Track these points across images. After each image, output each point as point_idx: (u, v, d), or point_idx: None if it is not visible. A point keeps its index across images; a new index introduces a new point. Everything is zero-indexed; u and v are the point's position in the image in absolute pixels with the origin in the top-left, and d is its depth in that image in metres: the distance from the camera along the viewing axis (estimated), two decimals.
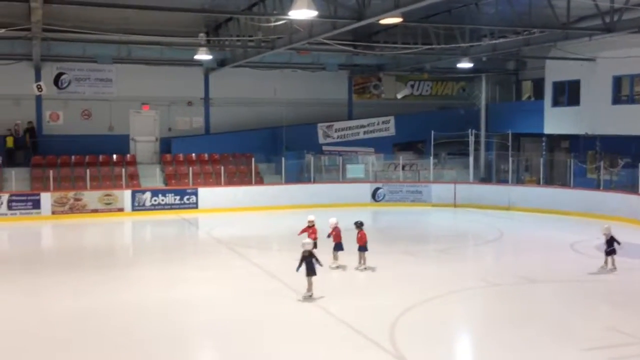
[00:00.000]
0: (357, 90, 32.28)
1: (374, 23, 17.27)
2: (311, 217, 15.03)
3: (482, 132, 30.10)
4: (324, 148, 29.64)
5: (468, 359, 9.40)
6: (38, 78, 26.08)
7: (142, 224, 23.10)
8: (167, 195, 24.81)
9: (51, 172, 24.20)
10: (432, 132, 27.90)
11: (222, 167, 26.74)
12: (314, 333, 9.92)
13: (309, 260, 11.64)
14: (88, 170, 24.89)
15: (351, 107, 32.08)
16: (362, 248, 14.03)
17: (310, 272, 11.66)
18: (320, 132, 30.07)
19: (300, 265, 11.65)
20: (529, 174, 28.98)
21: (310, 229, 14.64)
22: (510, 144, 27.45)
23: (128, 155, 27.63)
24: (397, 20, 17.37)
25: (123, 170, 25.55)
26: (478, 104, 31.38)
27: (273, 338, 9.69)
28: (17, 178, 23.91)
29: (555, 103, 28.09)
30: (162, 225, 22.65)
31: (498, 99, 31.96)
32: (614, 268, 14.00)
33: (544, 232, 20.48)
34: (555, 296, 12.70)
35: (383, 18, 15.93)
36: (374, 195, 26.96)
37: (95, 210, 23.65)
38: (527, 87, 32.18)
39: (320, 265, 11.81)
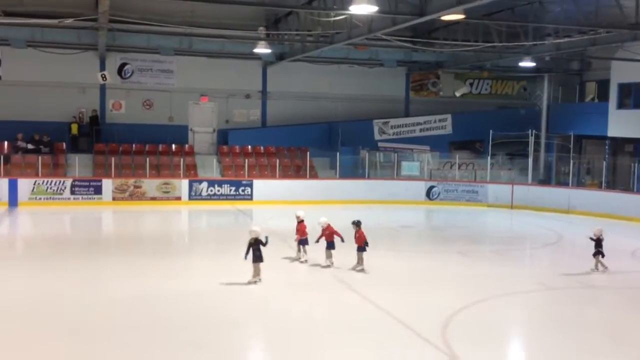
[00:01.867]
0: (414, 87, 32.02)
1: (434, 19, 17.07)
2: (300, 213, 14.44)
3: (543, 133, 29.43)
4: (379, 144, 29.53)
5: None
6: (102, 68, 26.84)
7: (198, 214, 23.53)
8: (222, 185, 25.18)
9: (113, 159, 24.92)
10: (491, 131, 27.44)
11: (278, 160, 26.98)
12: (363, 327, 9.91)
13: (255, 248, 11.88)
14: (148, 159, 25.50)
15: (408, 104, 31.85)
16: (361, 248, 13.54)
17: (257, 259, 11.93)
18: (375, 129, 29.97)
19: (247, 252, 11.90)
20: (591, 177, 28.21)
21: (299, 225, 14.16)
22: (571, 145, 26.76)
23: (186, 146, 28.18)
24: (458, 16, 17.11)
25: (181, 160, 26.07)
26: (539, 104, 30.67)
27: (321, 331, 9.73)
28: (80, 164, 24.69)
29: (621, 105, 27.19)
30: (217, 215, 23.00)
31: (560, 100, 31.16)
32: (596, 269, 13.94)
33: (604, 237, 19.87)
34: (613, 303, 12.35)
35: (445, 15, 15.73)
36: (428, 193, 26.72)
37: (153, 198, 24.22)
38: (591, 88, 31.26)
39: (265, 244, 12.02)
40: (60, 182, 23.41)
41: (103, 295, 11.37)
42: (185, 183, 24.76)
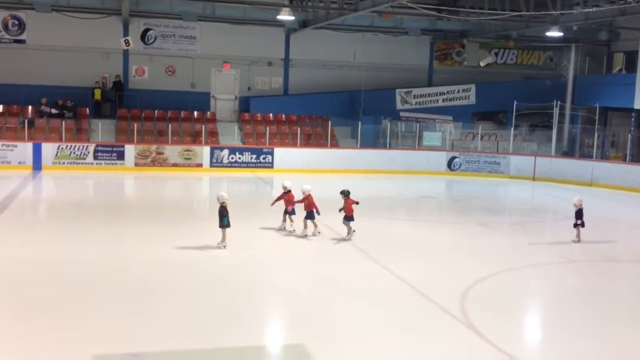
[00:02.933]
0: (438, 56, 31.63)
1: None
2: (287, 183, 14.06)
3: (568, 105, 29.01)
4: (401, 114, 29.33)
5: (538, 333, 9.24)
6: (126, 33, 26.84)
7: (218, 180, 23.66)
8: (244, 153, 25.26)
9: (135, 125, 25.07)
10: (515, 102, 27.09)
11: (299, 129, 26.96)
12: (381, 296, 9.97)
13: (222, 214, 12.02)
14: (170, 125, 25.64)
15: (431, 73, 31.50)
16: (349, 217, 13.37)
17: (221, 224, 12.09)
18: (398, 98, 29.74)
19: (222, 219, 12.02)
20: (615, 150, 27.81)
21: (287, 196, 13.80)
22: (597, 117, 26.36)
23: (208, 113, 28.24)
24: None
25: (203, 126, 26.14)
26: (565, 75, 30.15)
27: (341, 297, 9.80)
28: (103, 129, 24.90)
29: None
30: (238, 183, 23.12)
31: (587, 71, 30.60)
32: (578, 240, 13.85)
33: (627, 210, 19.71)
34: (634, 276, 12.26)
35: None
36: (449, 164, 26.58)
37: (175, 165, 24.39)
38: (619, 59, 30.64)
39: (227, 222, 12.10)
40: (83, 147, 23.64)
41: (124, 258, 11.54)
42: (206, 150, 24.87)
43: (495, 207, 20.42)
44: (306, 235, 13.45)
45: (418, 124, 27.84)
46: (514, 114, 27.24)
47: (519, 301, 10.27)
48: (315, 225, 13.51)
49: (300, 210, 13.72)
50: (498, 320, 9.04)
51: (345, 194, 13.54)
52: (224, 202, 12.11)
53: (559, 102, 27.37)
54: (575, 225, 13.92)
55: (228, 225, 12.13)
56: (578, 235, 13.94)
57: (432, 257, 12.68)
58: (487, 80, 31.05)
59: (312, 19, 26.08)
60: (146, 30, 27.67)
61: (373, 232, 14.72)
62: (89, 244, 12.22)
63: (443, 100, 30.11)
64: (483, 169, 26.33)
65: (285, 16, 23.43)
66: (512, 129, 27.19)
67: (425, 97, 30.06)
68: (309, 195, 13.40)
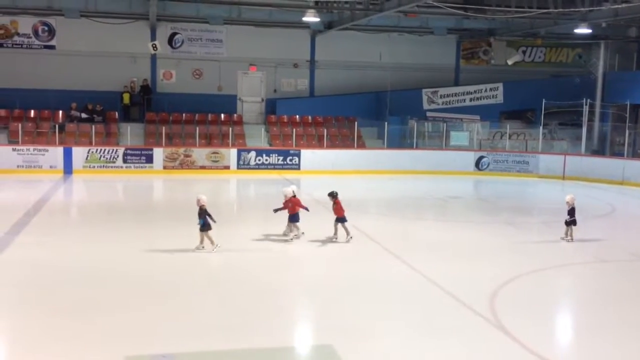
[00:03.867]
0: (465, 55, 31.41)
1: None
2: (292, 187, 13.98)
3: (598, 102, 28.57)
4: (428, 114, 29.20)
5: (569, 334, 9.12)
6: (153, 37, 27.17)
7: (246, 182, 23.80)
8: (270, 155, 25.38)
9: (163, 128, 25.35)
10: (543, 100, 26.78)
11: (325, 130, 27.00)
12: (410, 296, 9.93)
13: (204, 216, 11.87)
14: (197, 128, 25.85)
15: (458, 72, 31.31)
16: (340, 219, 13.09)
17: (204, 227, 11.90)
18: (424, 98, 29.60)
19: (202, 221, 11.85)
20: None
21: (291, 201, 13.39)
22: (627, 115, 25.92)
23: (235, 115, 28.43)
24: None
25: (230, 129, 26.33)
26: (595, 72, 29.71)
27: (368, 298, 9.78)
28: (132, 133, 25.22)
29: None
30: (265, 184, 23.21)
31: (617, 68, 30.12)
32: (571, 239, 13.61)
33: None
34: None
35: None
36: (477, 163, 26.38)
37: (203, 167, 24.60)
38: None
39: (214, 221, 11.99)
40: (113, 150, 23.97)
41: (154, 259, 11.66)
42: (233, 152, 25.03)
43: (524, 206, 20.20)
44: (291, 238, 13.04)
45: (445, 124, 27.68)
46: (543, 112, 26.93)
47: (549, 302, 10.15)
48: (298, 229, 13.12)
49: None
50: (528, 320, 8.94)
51: (334, 195, 13.20)
52: (203, 205, 11.91)
53: (588, 100, 27.00)
54: (568, 224, 13.71)
55: (209, 228, 11.92)
56: (570, 234, 13.73)
57: (460, 257, 12.58)
58: (514, 79, 30.75)
59: (338, 20, 26.10)
60: (173, 35, 27.95)
61: (400, 232, 14.70)
62: (119, 246, 12.38)
63: (470, 99, 29.88)
64: (511, 169, 26.08)
65: (311, 18, 23.47)
66: (541, 127, 26.89)
67: (452, 96, 29.87)
68: (292, 197, 13.08)
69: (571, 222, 13.67)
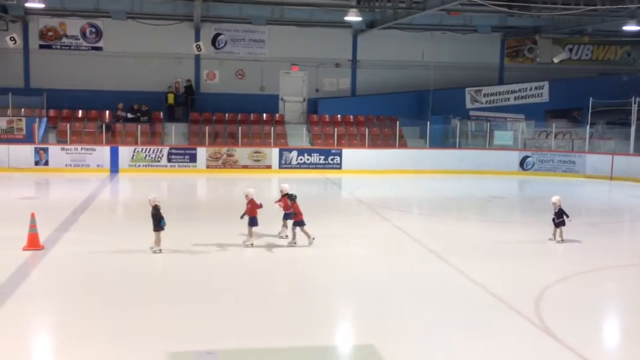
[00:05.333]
0: (509, 53, 30.96)
1: None
2: (284, 185, 13.61)
3: None
4: (471, 113, 28.89)
5: (616, 337, 8.90)
6: (197, 38, 27.54)
7: (287, 181, 23.77)
8: (312, 154, 25.45)
9: (207, 128, 25.67)
10: (590, 99, 26.18)
11: (367, 129, 26.93)
12: (452, 297, 9.84)
13: (158, 217, 11.64)
14: (240, 128, 26.09)
15: (502, 71, 30.88)
16: (299, 222, 12.39)
17: (156, 227, 11.66)
18: (468, 97, 29.29)
19: (157, 222, 11.63)
20: None
21: (282, 199, 13.21)
22: None
23: (277, 115, 28.60)
24: None
25: (272, 128, 26.50)
26: None
27: (410, 298, 9.73)
28: (176, 133, 25.62)
29: None
30: (307, 184, 23.27)
31: None
32: (562, 240, 13.29)
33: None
34: None
35: None
36: (522, 163, 25.97)
37: (245, 166, 24.82)
38: None
39: (161, 225, 11.68)
40: (157, 150, 24.38)
41: (198, 257, 11.81)
42: (275, 152, 25.19)
43: (571, 207, 19.68)
44: (249, 244, 12.41)
45: (489, 123, 27.33)
46: (590, 111, 26.33)
47: (596, 304, 9.93)
48: (251, 235, 12.43)
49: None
50: (574, 323, 8.76)
51: (291, 197, 12.58)
52: (156, 205, 11.70)
53: (637, 99, 26.28)
54: (557, 225, 13.45)
55: (162, 229, 11.68)
56: (560, 235, 13.45)
57: (504, 258, 12.40)
58: (560, 77, 30.16)
59: (380, 19, 26.02)
60: (217, 35, 28.28)
61: (442, 232, 14.57)
62: (164, 243, 12.57)
63: (515, 98, 29.44)
64: (557, 169, 25.59)
65: (353, 17, 23.44)
66: (588, 126, 26.30)
67: (496, 95, 29.48)
68: (252, 199, 12.43)
69: (560, 223, 13.44)
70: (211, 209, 18.30)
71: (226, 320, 8.58)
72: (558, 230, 13.48)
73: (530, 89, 29.55)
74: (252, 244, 12.32)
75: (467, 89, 29.34)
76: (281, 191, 13.39)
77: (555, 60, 30.38)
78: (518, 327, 8.60)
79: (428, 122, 26.64)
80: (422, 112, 28.20)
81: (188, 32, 27.71)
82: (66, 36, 27.40)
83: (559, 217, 13.39)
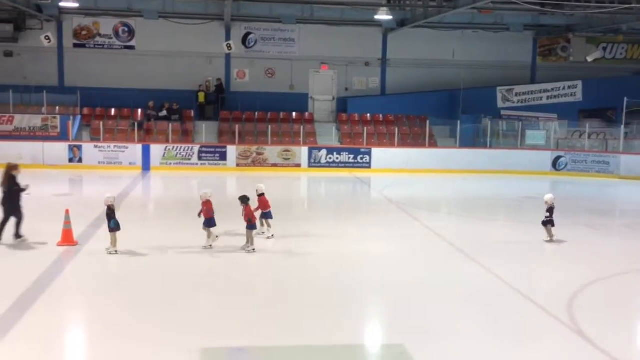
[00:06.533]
0: (542, 52, 30.57)
1: None
2: (260, 186, 13.35)
3: None
4: (503, 112, 28.60)
5: None
6: (228, 37, 27.71)
7: (317, 180, 23.94)
8: (341, 153, 25.43)
9: (237, 126, 25.81)
10: (625, 98, 25.72)
11: (396, 129, 26.83)
12: (483, 296, 9.75)
13: (110, 217, 11.46)
14: (270, 127, 26.19)
15: (535, 70, 30.50)
16: (251, 226, 12.02)
17: (115, 227, 11.51)
18: (499, 96, 29.00)
19: (115, 221, 11.45)
20: None
21: (260, 199, 13.05)
22: None
23: (306, 114, 28.65)
24: None
25: (301, 127, 26.54)
26: None
27: (440, 298, 9.67)
28: (206, 131, 25.82)
29: None
30: (336, 183, 23.29)
31: None
32: (550, 239, 13.13)
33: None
34: None
35: None
36: (554, 163, 25.62)
37: (274, 165, 24.91)
38: None
39: (114, 225, 11.48)
40: (188, 148, 24.60)
41: (228, 254, 11.89)
42: (305, 150, 25.23)
43: (604, 208, 19.46)
44: (208, 246, 12.06)
45: (520, 123, 27.02)
46: (625, 110, 25.87)
47: (630, 306, 9.75)
48: (210, 235, 12.10)
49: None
50: (608, 326, 8.62)
51: (243, 200, 12.16)
52: (111, 205, 11.56)
53: None
54: (545, 224, 13.26)
55: (117, 229, 11.56)
56: (550, 235, 13.26)
57: (536, 259, 12.27)
58: (594, 76, 29.69)
59: (410, 17, 25.90)
60: (247, 34, 28.42)
61: (473, 232, 14.45)
62: (194, 241, 12.68)
63: (547, 97, 29.07)
64: (591, 169, 25.19)
65: (383, 16, 23.37)
66: (623, 126, 25.84)
67: (528, 94, 29.13)
68: (207, 201, 12.10)
69: (549, 222, 13.24)
70: (240, 208, 18.34)
71: (258, 317, 8.62)
72: (546, 229, 13.33)
73: (563, 88, 29.15)
74: (210, 246, 11.95)
75: (498, 88, 29.05)
76: (257, 191, 13.26)
77: (589, 59, 29.90)
78: (550, 328, 8.49)
79: (458, 122, 26.43)
80: (452, 112, 27.98)
81: (219, 32, 27.90)
82: (99, 35, 27.80)
83: (550, 216, 13.27)
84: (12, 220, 12.11)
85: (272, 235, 13.10)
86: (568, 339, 8.17)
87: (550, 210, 13.28)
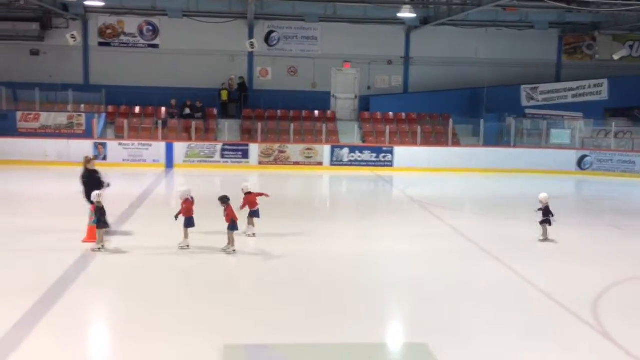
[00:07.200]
0: (567, 50, 30.22)
1: None
2: (246, 184, 13.26)
3: None
4: (527, 111, 28.32)
5: None
6: (251, 36, 27.80)
7: (339, 179, 23.92)
8: (364, 152, 25.37)
9: (259, 124, 25.88)
10: None
11: (419, 127, 26.69)
12: (507, 296, 9.68)
13: (101, 213, 11.49)
14: (292, 125, 26.22)
15: (560, 68, 30.16)
16: (232, 227, 11.62)
17: (103, 225, 11.55)
18: (523, 94, 28.73)
19: (98, 218, 11.47)
20: None
21: (248, 197, 12.92)
22: None
23: (329, 112, 28.63)
24: None
25: (324, 126, 26.53)
26: None
27: (463, 297, 9.61)
28: (229, 129, 25.93)
29: None
30: (358, 181, 23.24)
31: None
32: (546, 239, 12.96)
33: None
34: None
35: None
36: (579, 163, 25.32)
37: (297, 163, 24.93)
38: None
39: (106, 222, 11.63)
40: (211, 146, 24.72)
41: (248, 252, 11.93)
42: (327, 149, 25.22)
43: (630, 208, 19.17)
44: (185, 246, 11.79)
45: (545, 121, 26.75)
46: None
47: None
48: (187, 237, 11.80)
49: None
50: (635, 328, 8.50)
51: (224, 200, 11.75)
52: (99, 202, 11.56)
53: None
54: (541, 223, 13.10)
55: (105, 226, 11.64)
56: (545, 234, 13.10)
57: (560, 260, 12.12)
58: (620, 75, 29.28)
59: (434, 15, 25.75)
60: (270, 33, 28.48)
61: (496, 232, 14.35)
62: (216, 238, 12.74)
63: (572, 96, 28.72)
64: (616, 169, 24.85)
65: (406, 14, 23.25)
66: None
67: (553, 93, 28.81)
68: (186, 199, 11.82)
69: (545, 222, 13.07)
70: (263, 205, 18.39)
71: (280, 315, 8.64)
72: (543, 229, 13.18)
73: (589, 86, 28.78)
74: (187, 246, 11.74)
75: (522, 87, 28.78)
76: (242, 190, 13.16)
77: (615, 57, 29.46)
78: (575, 330, 8.40)
79: (482, 120, 26.23)
80: (475, 110, 27.77)
81: (242, 30, 28.00)
82: (124, 34, 28.05)
83: (545, 215, 13.11)
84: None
85: (254, 234, 12.93)
86: (594, 340, 8.07)
87: (546, 209, 13.12)
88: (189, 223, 11.78)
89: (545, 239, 13.18)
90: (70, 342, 7.59)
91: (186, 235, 11.81)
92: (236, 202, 12.53)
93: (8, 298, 8.96)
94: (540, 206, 13.19)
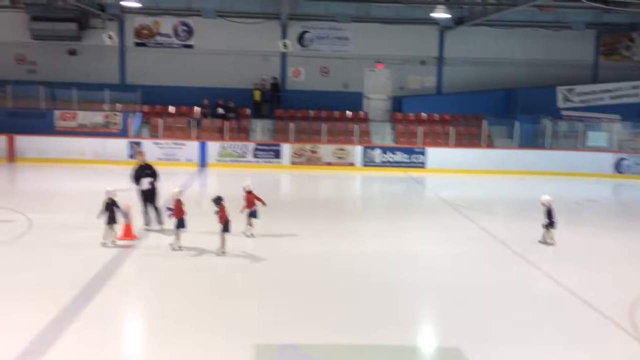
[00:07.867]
0: (604, 51, 29.67)
1: None
2: (247, 183, 13.12)
3: None
4: (563, 113, 27.89)
5: None
6: (284, 36, 27.89)
7: (370, 179, 23.87)
8: (396, 153, 25.30)
9: (291, 125, 25.97)
10: None
11: (452, 128, 26.49)
12: (542, 301, 9.56)
13: (110, 209, 11.46)
14: (324, 125, 26.25)
15: (597, 69, 29.62)
16: (225, 229, 11.48)
17: (111, 220, 11.52)
18: (559, 96, 28.29)
19: (102, 212, 11.50)
20: None
21: (248, 196, 12.87)
22: None
23: (361, 112, 28.58)
24: None
25: (356, 126, 26.51)
26: None
27: (497, 301, 9.51)
28: (262, 129, 26.08)
29: None
30: (390, 182, 23.17)
31: None
32: (544, 241, 12.75)
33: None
34: None
35: None
36: (617, 166, 24.87)
37: (328, 163, 24.97)
38: None
39: (125, 215, 11.78)
40: (244, 145, 24.89)
41: (281, 252, 11.98)
42: (359, 149, 25.20)
43: None
44: (177, 247, 11.73)
45: (582, 123, 26.32)
46: None
47: None
48: (178, 238, 11.77)
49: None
50: None
51: (218, 201, 11.55)
52: (112, 197, 11.60)
53: None
54: (546, 226, 12.85)
55: (114, 222, 11.63)
56: (545, 237, 12.88)
57: (596, 264, 11.92)
58: None
59: (468, 15, 25.53)
60: (303, 33, 28.54)
61: (529, 235, 14.14)
62: (249, 238, 12.82)
63: (610, 97, 28.20)
64: None
65: (440, 14, 23.09)
66: None
67: (590, 94, 28.32)
68: (177, 200, 11.75)
69: (549, 225, 12.83)
70: (293, 206, 18.48)
71: (311, 316, 8.67)
72: (548, 232, 12.96)
73: (627, 88, 28.23)
74: (179, 247, 11.67)
75: (558, 88, 28.35)
76: (244, 188, 13.14)
77: None
78: (611, 335, 8.26)
79: (516, 122, 25.93)
80: (510, 111, 27.47)
81: (275, 30, 28.12)
82: (159, 34, 28.39)
83: (548, 218, 12.90)
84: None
85: (252, 235, 12.93)
86: (629, 345, 7.92)
87: (549, 212, 12.89)
88: (179, 224, 11.70)
89: (546, 242, 12.97)
90: (107, 335, 7.72)
91: (177, 237, 11.73)
92: (236, 202, 12.56)
93: (46, 293, 9.15)
94: (544, 208, 12.96)
